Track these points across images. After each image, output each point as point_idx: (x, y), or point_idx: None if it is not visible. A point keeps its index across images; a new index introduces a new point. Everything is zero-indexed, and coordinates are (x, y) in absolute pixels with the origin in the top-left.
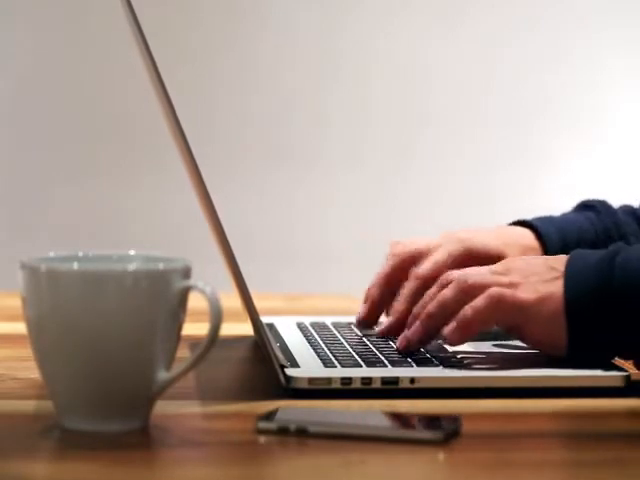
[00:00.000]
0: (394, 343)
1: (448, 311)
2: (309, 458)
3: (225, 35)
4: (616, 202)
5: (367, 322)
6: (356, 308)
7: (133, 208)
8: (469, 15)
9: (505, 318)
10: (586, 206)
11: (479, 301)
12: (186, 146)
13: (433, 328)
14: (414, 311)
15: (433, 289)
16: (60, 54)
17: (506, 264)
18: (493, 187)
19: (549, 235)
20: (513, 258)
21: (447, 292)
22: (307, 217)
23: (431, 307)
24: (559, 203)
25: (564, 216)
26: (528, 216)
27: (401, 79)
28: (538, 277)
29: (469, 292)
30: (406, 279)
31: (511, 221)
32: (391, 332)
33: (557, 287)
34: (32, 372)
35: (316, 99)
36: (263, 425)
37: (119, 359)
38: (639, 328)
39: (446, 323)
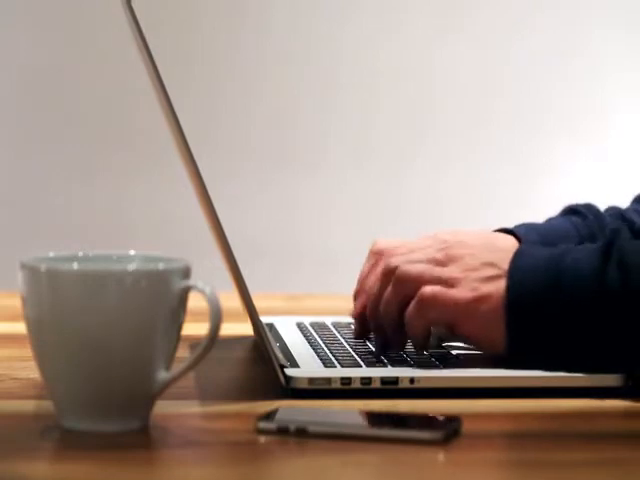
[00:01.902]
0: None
1: (394, 315)
2: (309, 458)
3: (227, 36)
4: (617, 203)
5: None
6: None
7: (133, 208)
8: (470, 17)
9: (439, 317)
10: (572, 210)
11: (412, 308)
12: (187, 149)
13: (386, 333)
14: (368, 313)
15: (373, 280)
16: (60, 54)
17: (449, 251)
18: (494, 190)
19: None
20: (459, 238)
21: (388, 298)
22: (310, 219)
23: (381, 320)
24: (559, 204)
25: (549, 222)
26: (527, 218)
27: (404, 82)
28: (478, 274)
29: (408, 294)
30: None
31: (494, 229)
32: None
33: (496, 287)
34: (32, 372)
35: (319, 101)
36: (263, 425)
37: (119, 359)
38: (581, 333)
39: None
